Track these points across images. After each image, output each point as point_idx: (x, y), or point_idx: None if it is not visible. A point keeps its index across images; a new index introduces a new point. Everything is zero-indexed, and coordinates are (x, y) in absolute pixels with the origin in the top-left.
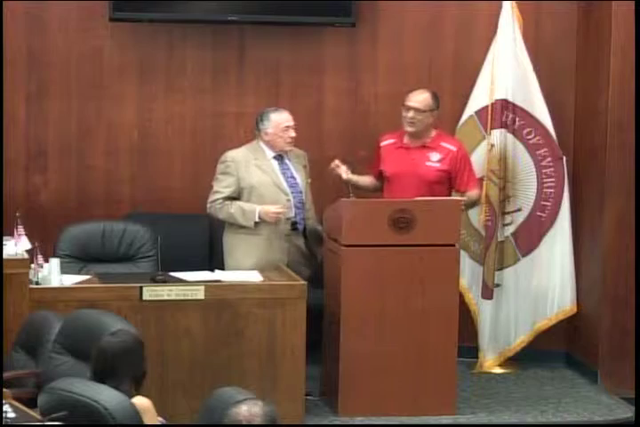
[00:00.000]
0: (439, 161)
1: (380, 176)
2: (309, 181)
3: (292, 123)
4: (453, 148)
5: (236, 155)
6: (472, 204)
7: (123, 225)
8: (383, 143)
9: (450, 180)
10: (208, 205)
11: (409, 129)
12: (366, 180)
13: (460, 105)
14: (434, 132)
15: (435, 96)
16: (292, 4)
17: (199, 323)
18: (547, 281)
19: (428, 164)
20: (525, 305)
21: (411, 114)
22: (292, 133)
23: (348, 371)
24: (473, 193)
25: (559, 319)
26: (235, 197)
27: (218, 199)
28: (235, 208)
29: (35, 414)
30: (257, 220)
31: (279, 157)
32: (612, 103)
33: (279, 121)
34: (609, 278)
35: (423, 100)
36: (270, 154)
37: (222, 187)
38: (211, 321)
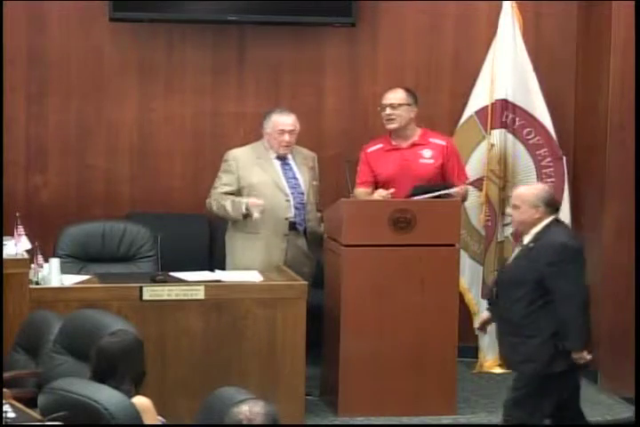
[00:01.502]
0: (432, 157)
1: (373, 184)
2: (314, 183)
3: (289, 127)
4: (443, 142)
5: (238, 153)
6: (464, 198)
7: (123, 225)
8: (369, 150)
9: (442, 175)
10: (206, 201)
11: (390, 126)
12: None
13: (460, 105)
14: (419, 131)
15: (408, 91)
16: (291, 4)
17: (199, 323)
18: None
19: (422, 161)
20: None
21: (387, 111)
22: (287, 138)
23: (348, 371)
24: (462, 187)
25: None
26: (233, 195)
27: (215, 195)
28: (226, 201)
29: (35, 414)
30: (244, 211)
31: (282, 157)
32: (612, 103)
33: (276, 123)
34: (609, 279)
35: (395, 95)
36: (273, 154)
37: (221, 184)
38: (211, 321)
